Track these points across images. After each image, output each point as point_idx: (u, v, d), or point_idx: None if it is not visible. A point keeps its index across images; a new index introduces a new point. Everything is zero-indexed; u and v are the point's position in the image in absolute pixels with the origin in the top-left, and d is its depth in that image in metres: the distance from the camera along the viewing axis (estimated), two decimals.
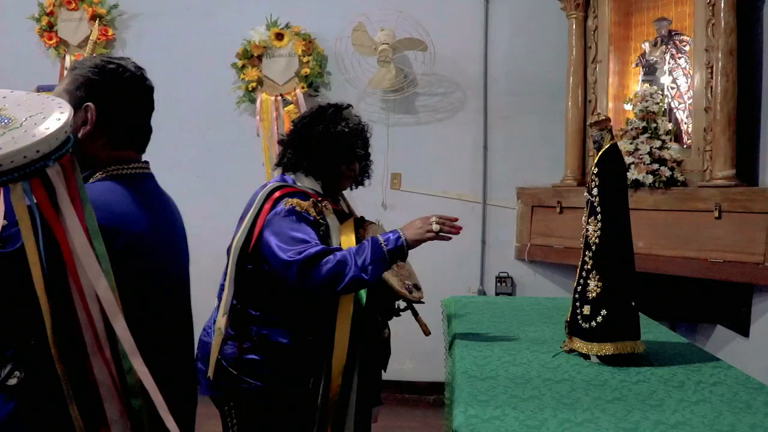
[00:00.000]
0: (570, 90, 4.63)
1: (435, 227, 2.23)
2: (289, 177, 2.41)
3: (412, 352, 5.00)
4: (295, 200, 2.25)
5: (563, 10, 4.67)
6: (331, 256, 2.13)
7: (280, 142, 2.50)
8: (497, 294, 4.93)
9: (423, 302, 2.44)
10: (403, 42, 4.75)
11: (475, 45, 4.98)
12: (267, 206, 2.24)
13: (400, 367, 4.99)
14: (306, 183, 2.38)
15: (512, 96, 4.97)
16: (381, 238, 2.18)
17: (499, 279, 4.96)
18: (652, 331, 2.55)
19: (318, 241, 2.20)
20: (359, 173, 2.53)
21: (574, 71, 4.61)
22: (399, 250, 2.19)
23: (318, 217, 2.25)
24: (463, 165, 4.99)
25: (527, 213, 4.90)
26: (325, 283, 2.12)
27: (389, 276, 2.31)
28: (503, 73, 4.99)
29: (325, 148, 2.35)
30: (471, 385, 1.84)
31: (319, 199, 2.30)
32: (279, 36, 4.99)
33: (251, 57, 5.00)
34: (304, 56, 4.94)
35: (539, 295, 4.59)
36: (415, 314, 2.59)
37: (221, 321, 2.22)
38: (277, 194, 2.27)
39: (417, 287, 2.47)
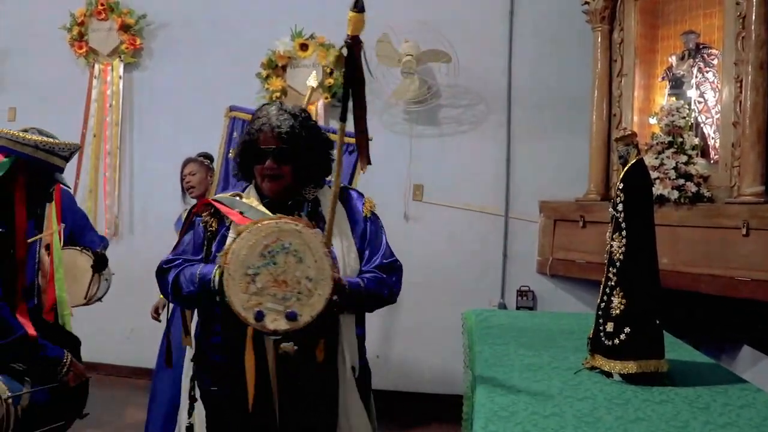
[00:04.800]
0: (594, 103, 4.59)
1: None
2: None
3: (429, 365, 4.97)
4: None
5: (588, 22, 4.64)
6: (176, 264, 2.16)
7: None
8: (518, 308, 4.88)
9: (277, 335, 1.91)
10: (427, 53, 4.75)
11: (499, 57, 4.96)
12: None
13: (419, 379, 4.96)
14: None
15: (536, 109, 4.95)
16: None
17: (521, 293, 4.91)
18: (676, 349, 2.50)
19: (188, 248, 2.19)
20: (300, 168, 2.20)
21: (599, 85, 4.57)
22: (207, 284, 2.01)
23: (208, 221, 2.17)
24: (486, 177, 4.97)
25: (549, 227, 4.86)
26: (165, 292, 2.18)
27: (234, 291, 1.89)
28: (527, 85, 4.96)
29: (238, 154, 2.27)
30: (491, 401, 1.81)
31: (209, 201, 2.22)
32: (303, 46, 5.03)
33: (276, 67, 5.04)
34: (327, 67, 4.96)
35: (561, 310, 4.55)
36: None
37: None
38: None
39: (291, 316, 1.88)
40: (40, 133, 3.94)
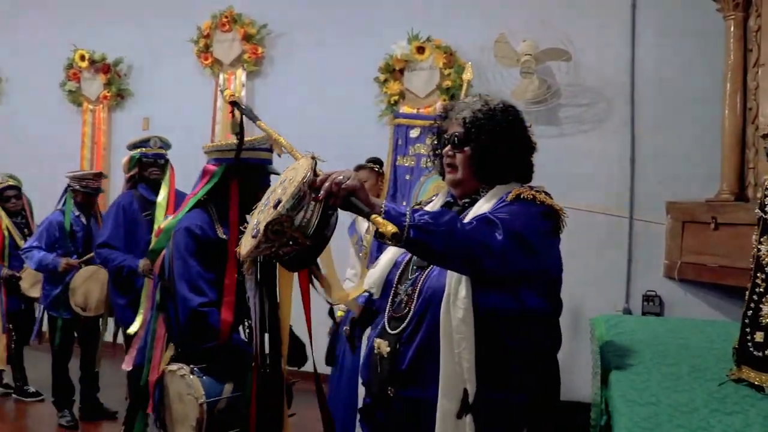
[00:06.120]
0: (726, 97, 4.33)
1: None
2: None
3: None
4: None
5: (719, 11, 4.38)
6: None
7: None
8: (644, 313, 4.69)
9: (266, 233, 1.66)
10: (547, 52, 4.66)
11: (621, 53, 4.79)
12: None
13: None
14: None
15: (661, 105, 4.74)
16: None
17: (647, 298, 4.71)
18: None
19: None
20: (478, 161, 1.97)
21: (731, 76, 4.31)
22: None
23: None
24: (609, 178, 4.81)
25: (678, 229, 4.62)
26: None
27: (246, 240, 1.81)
28: (651, 81, 4.76)
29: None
30: (631, 410, 1.75)
31: None
32: (420, 49, 5.06)
33: (393, 71, 5.10)
34: (445, 69, 4.97)
35: (690, 316, 4.33)
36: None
37: None
38: None
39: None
40: (161, 140, 4.22)
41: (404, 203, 3.20)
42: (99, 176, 4.72)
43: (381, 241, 1.66)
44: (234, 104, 2.17)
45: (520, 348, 1.80)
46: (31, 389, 5.13)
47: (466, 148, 1.93)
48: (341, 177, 1.64)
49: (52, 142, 6.66)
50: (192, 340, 2.45)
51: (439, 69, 5.00)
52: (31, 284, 4.88)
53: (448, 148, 1.97)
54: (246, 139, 2.58)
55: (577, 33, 4.68)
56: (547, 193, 1.91)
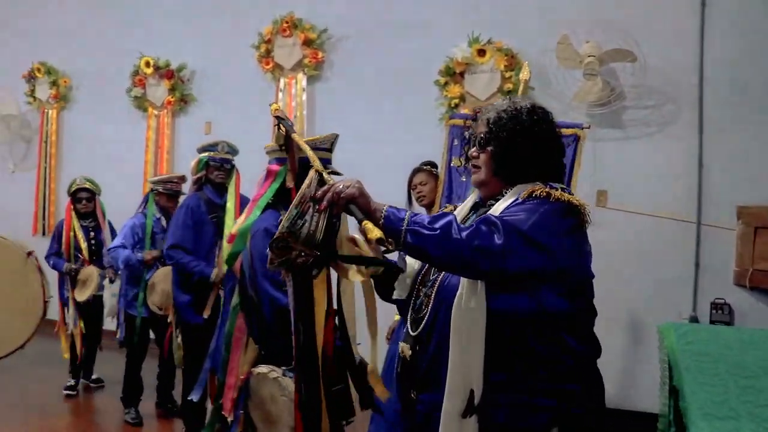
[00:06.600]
0: None
1: None
2: None
3: (609, 378, 4.74)
4: None
5: None
6: None
7: None
8: (712, 322, 4.52)
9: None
10: (611, 53, 4.56)
11: (689, 53, 4.64)
12: None
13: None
14: None
15: (731, 106, 4.57)
16: None
17: (715, 306, 4.55)
18: None
19: None
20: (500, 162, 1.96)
21: None
22: None
23: None
24: (675, 182, 4.66)
25: (749, 234, 4.45)
26: None
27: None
28: (721, 81, 4.60)
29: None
30: (710, 425, 1.69)
31: None
32: (481, 52, 5.02)
33: (454, 74, 5.07)
34: (506, 71, 4.91)
35: (763, 326, 4.16)
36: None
37: None
38: None
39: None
40: (228, 145, 4.31)
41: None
42: (182, 179, 4.90)
43: (381, 246, 1.66)
44: (279, 119, 2.20)
45: (545, 351, 1.73)
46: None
47: (489, 148, 1.90)
48: (341, 186, 1.68)
49: (118, 147, 6.87)
50: (282, 338, 2.45)
51: (500, 71, 4.95)
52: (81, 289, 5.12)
53: (473, 149, 1.95)
54: (307, 138, 2.59)
55: (642, 33, 4.56)
56: (566, 190, 1.81)
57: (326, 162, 2.74)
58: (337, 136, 2.79)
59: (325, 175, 1.76)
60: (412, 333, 1.88)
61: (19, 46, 7.51)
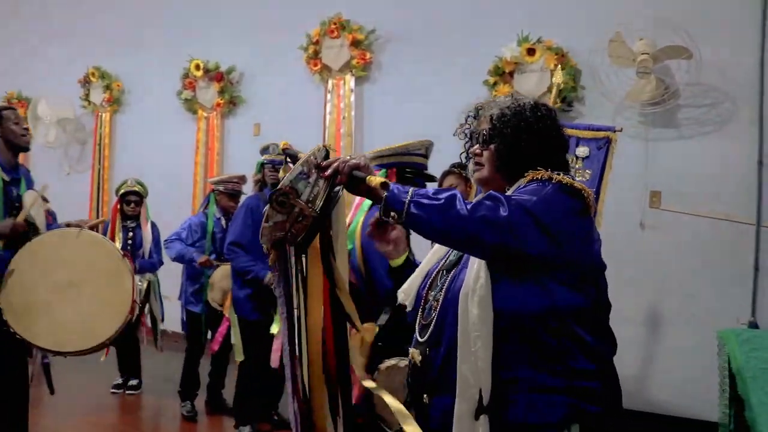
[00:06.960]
0: None
1: None
2: None
3: (665, 385, 4.63)
4: None
5: None
6: None
7: None
8: None
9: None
10: (665, 51, 4.44)
11: (748, 49, 4.49)
12: None
13: (652, 400, 4.64)
14: None
15: None
16: None
17: None
18: None
19: None
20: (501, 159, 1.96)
21: None
22: None
23: None
24: (733, 182, 4.51)
25: None
26: None
27: None
28: None
29: None
30: None
31: None
32: (530, 51, 4.95)
33: (503, 73, 5.02)
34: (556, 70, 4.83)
35: None
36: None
37: None
38: None
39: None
40: (276, 146, 4.37)
41: None
42: (242, 179, 5.01)
43: (385, 218, 1.69)
44: (286, 153, 2.17)
45: (559, 346, 1.69)
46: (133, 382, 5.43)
47: (492, 145, 1.88)
48: (348, 157, 1.75)
49: (169, 149, 6.98)
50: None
51: (549, 70, 4.87)
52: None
53: (476, 146, 1.94)
54: (401, 144, 2.82)
55: (698, 30, 4.42)
56: (568, 175, 1.77)
57: (421, 167, 2.87)
58: (431, 143, 2.90)
59: (330, 153, 1.80)
60: (420, 339, 1.88)
61: (75, 51, 7.71)
